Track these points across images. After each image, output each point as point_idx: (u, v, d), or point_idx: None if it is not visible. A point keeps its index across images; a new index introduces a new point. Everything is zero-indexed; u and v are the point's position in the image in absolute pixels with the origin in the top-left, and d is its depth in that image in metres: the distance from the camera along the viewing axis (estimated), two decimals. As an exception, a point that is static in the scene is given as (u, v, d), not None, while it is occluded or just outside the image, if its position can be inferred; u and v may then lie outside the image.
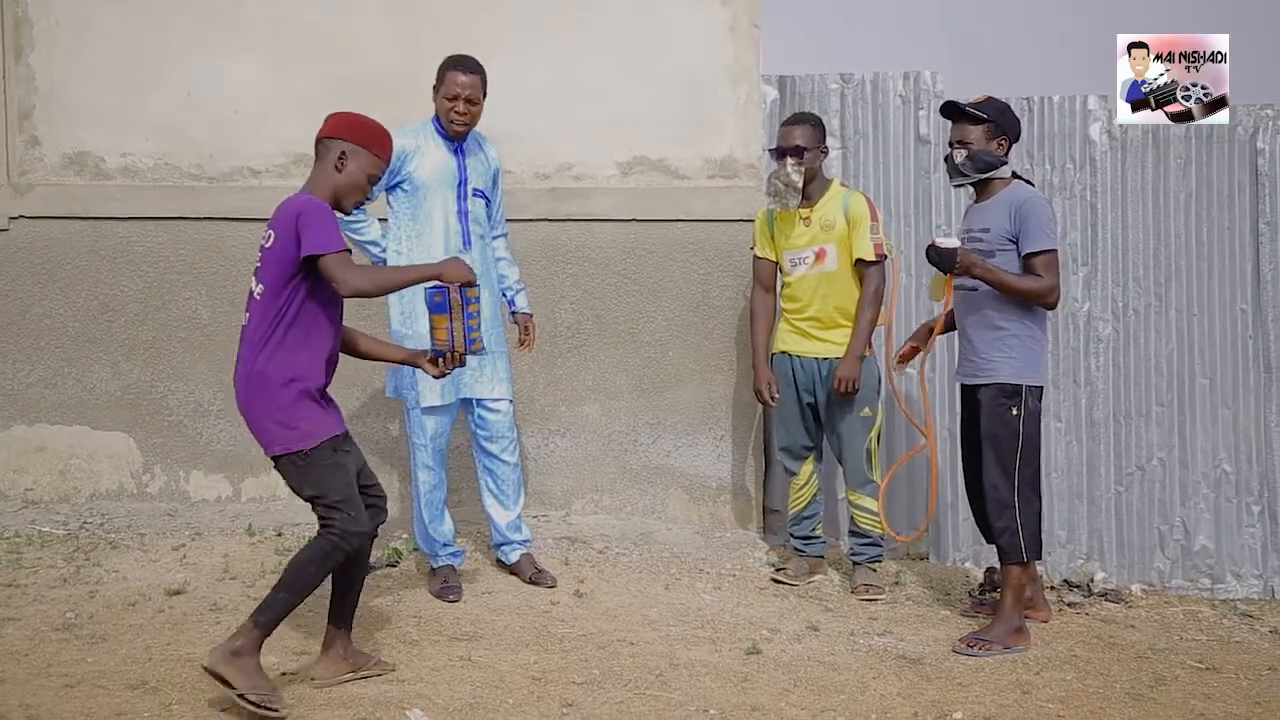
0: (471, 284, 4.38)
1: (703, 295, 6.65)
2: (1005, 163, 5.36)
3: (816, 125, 5.89)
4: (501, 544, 5.73)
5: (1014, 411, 5.25)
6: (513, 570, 5.73)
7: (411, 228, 5.43)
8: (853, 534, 6.00)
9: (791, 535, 6.10)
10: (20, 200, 6.67)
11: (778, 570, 6.03)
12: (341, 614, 4.52)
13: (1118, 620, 5.83)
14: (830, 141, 6.40)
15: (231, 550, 5.96)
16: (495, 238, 5.70)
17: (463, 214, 5.47)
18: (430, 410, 5.46)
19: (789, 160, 5.76)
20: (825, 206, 5.85)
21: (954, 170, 5.39)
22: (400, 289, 4.67)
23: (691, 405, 6.68)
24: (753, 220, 6.26)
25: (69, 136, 6.71)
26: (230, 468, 6.67)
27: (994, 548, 5.49)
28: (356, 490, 4.39)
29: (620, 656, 4.84)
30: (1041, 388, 5.35)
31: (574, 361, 6.62)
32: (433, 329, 4.48)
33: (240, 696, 4.09)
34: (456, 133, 5.44)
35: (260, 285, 4.30)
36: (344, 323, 4.54)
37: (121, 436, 6.67)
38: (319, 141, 4.42)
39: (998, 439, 5.28)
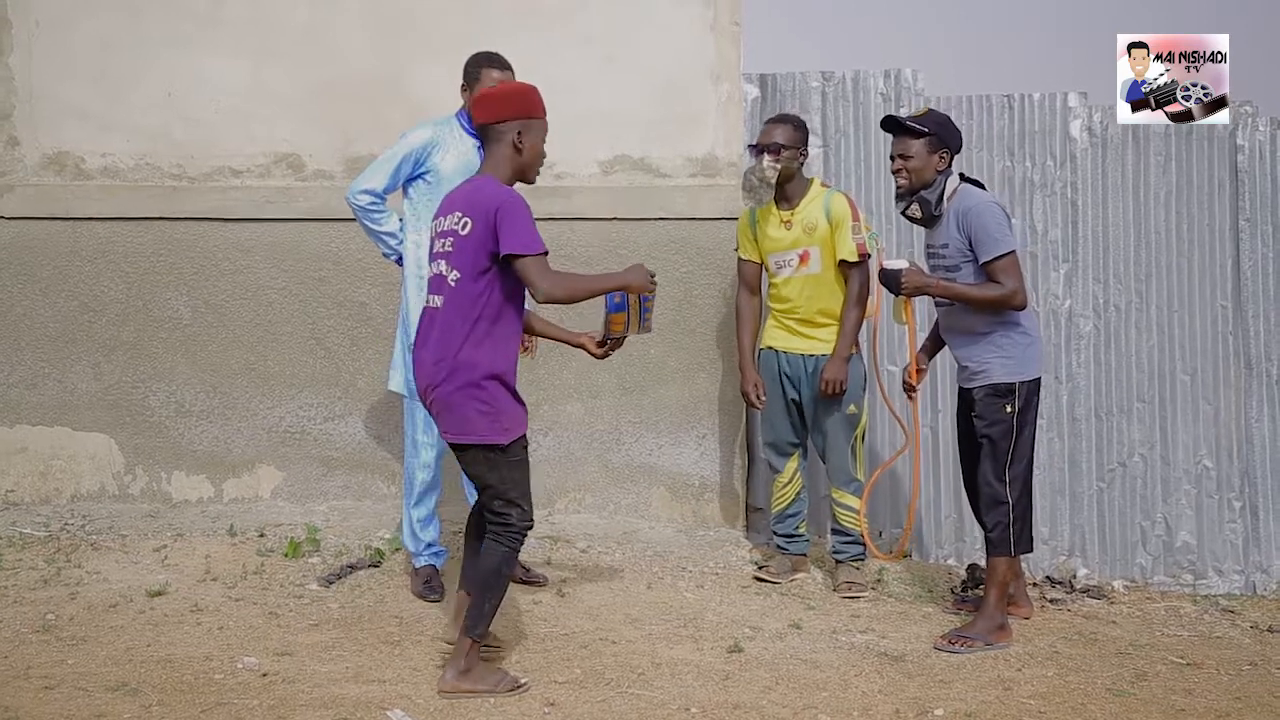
0: (645, 296, 4.60)
1: (685, 294, 6.65)
2: (949, 174, 5.34)
3: (799, 127, 5.88)
4: (486, 541, 5.72)
5: (1007, 409, 5.26)
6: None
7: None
8: (835, 532, 6.00)
9: (775, 533, 6.10)
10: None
11: (760, 569, 6.03)
12: (472, 581, 4.59)
13: (1099, 616, 5.85)
14: (812, 140, 6.40)
15: (213, 551, 5.94)
16: None
17: None
18: None
19: (765, 157, 5.75)
20: (806, 209, 5.84)
21: (903, 196, 5.39)
22: (589, 298, 4.59)
23: (674, 403, 6.68)
24: (735, 219, 6.25)
25: (49, 137, 6.68)
26: (212, 468, 6.66)
27: (976, 545, 5.52)
28: (529, 485, 4.55)
29: (602, 655, 4.84)
30: (1037, 380, 5.35)
31: (556, 360, 6.61)
32: (608, 324, 4.67)
33: (492, 694, 4.40)
34: None
35: (455, 272, 4.38)
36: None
37: (103, 438, 6.65)
38: (486, 128, 4.48)
39: (992, 437, 5.29)
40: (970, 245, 5.22)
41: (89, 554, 5.91)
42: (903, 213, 5.43)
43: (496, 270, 4.35)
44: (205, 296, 6.64)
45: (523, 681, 4.50)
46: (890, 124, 5.41)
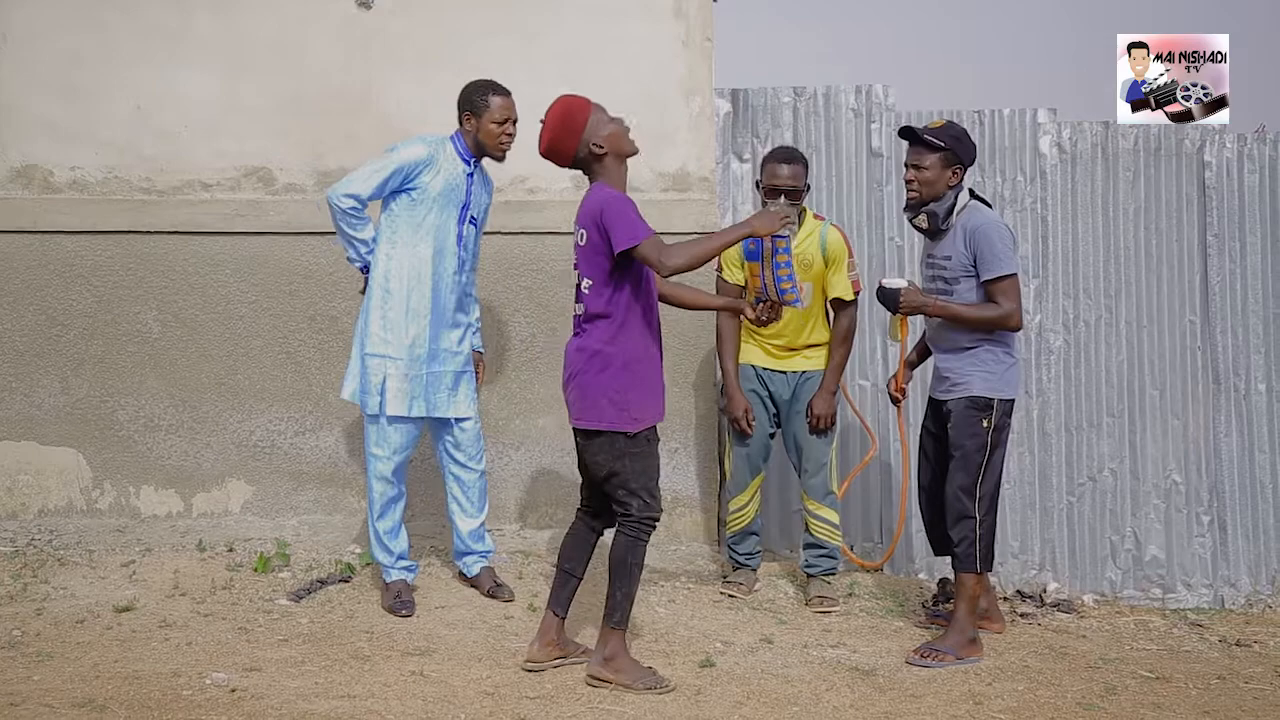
0: (779, 235, 4.70)
1: (657, 308, 6.64)
2: (960, 189, 5.34)
3: (806, 163, 5.87)
4: (465, 553, 5.71)
5: (984, 424, 5.27)
6: (473, 583, 5.70)
7: (411, 237, 5.41)
8: (808, 546, 5.99)
9: (734, 552, 6.07)
10: (-33, 214, 6.60)
11: (725, 582, 6.01)
12: (560, 601, 4.79)
13: (1070, 630, 5.86)
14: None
15: (182, 566, 5.90)
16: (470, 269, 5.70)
17: (459, 237, 5.48)
18: (396, 421, 5.42)
19: (784, 200, 5.69)
20: (803, 244, 5.78)
21: (913, 207, 5.39)
22: (717, 255, 4.78)
23: (646, 418, 6.66)
24: (707, 233, 6.23)
25: (17, 150, 6.64)
26: (181, 483, 6.61)
27: (948, 559, 5.52)
28: (657, 480, 4.67)
29: (574, 671, 4.82)
30: (1012, 402, 5.37)
31: (527, 375, 6.61)
32: (749, 275, 4.89)
33: (630, 689, 4.59)
34: (503, 155, 5.54)
35: (587, 280, 4.64)
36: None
37: (70, 452, 6.59)
38: (576, 164, 4.72)
39: (965, 450, 5.29)
40: (974, 262, 5.25)
41: (56, 569, 5.86)
42: (910, 221, 5.44)
43: (622, 268, 4.57)
44: (174, 310, 6.60)
45: (667, 683, 4.65)
46: (907, 134, 5.43)
